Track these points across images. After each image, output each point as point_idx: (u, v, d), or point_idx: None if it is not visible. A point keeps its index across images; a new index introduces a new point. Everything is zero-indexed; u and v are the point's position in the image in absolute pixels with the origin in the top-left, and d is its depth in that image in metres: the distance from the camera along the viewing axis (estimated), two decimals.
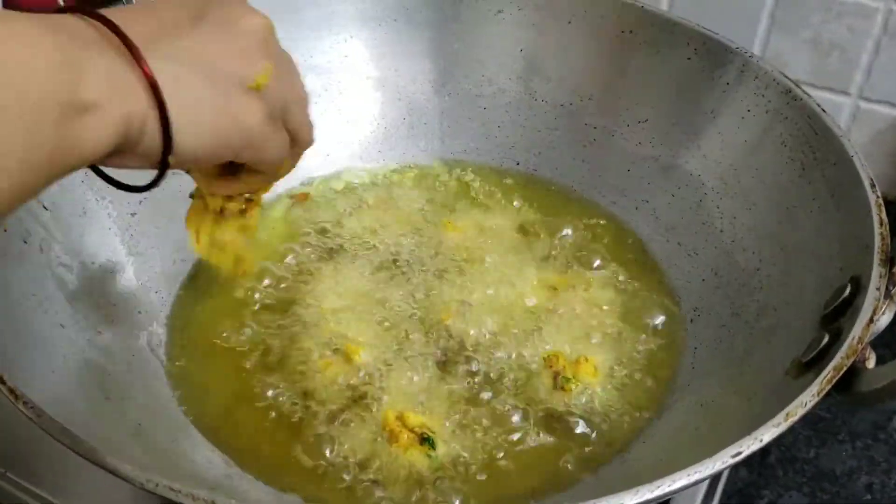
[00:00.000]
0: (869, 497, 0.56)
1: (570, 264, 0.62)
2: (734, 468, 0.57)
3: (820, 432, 0.60)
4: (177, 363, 0.55)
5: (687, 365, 0.54)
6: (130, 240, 0.57)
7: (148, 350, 0.54)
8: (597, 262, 0.62)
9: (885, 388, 0.38)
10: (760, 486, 0.57)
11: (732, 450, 0.36)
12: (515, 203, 0.67)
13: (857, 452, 0.59)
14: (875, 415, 0.61)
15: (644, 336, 0.56)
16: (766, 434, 0.36)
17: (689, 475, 0.35)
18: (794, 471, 0.58)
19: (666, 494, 0.34)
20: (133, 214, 0.58)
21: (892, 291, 0.42)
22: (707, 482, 0.54)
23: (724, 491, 0.56)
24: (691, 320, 0.57)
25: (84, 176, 0.55)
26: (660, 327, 0.57)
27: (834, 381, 0.38)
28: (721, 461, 0.35)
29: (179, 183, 0.62)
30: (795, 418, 0.37)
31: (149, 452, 0.45)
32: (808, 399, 0.37)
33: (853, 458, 0.58)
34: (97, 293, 0.53)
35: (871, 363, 0.41)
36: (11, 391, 0.38)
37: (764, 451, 0.58)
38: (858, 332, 0.40)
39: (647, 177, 0.64)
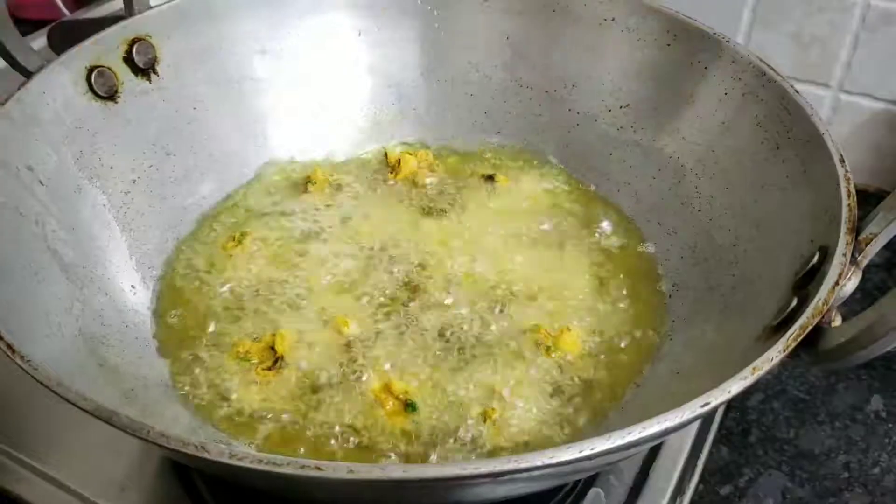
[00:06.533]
0: (846, 475, 0.57)
1: (554, 243, 0.63)
2: (715, 447, 0.58)
3: (800, 413, 0.61)
4: (168, 335, 0.56)
5: (664, 337, 0.55)
6: (124, 217, 0.58)
7: (140, 321, 0.55)
8: (579, 241, 0.63)
9: (845, 343, 0.39)
10: (741, 465, 0.57)
11: (701, 400, 0.36)
12: (500, 186, 0.68)
13: (836, 432, 0.60)
14: (853, 396, 0.63)
15: (623, 310, 0.58)
16: (734, 386, 0.36)
17: (659, 423, 0.35)
18: (774, 450, 0.59)
19: (637, 441, 0.35)
20: (127, 193, 0.59)
21: (858, 258, 0.43)
22: (686, 456, 0.55)
23: (706, 468, 0.57)
24: (670, 295, 0.58)
25: (79, 154, 0.57)
26: (639, 302, 0.58)
27: (800, 339, 0.39)
28: (690, 411, 0.36)
29: (172, 167, 0.64)
30: (762, 372, 0.37)
31: (140, 417, 0.46)
32: (774, 355, 0.38)
33: (832, 437, 0.59)
34: (91, 266, 0.54)
35: (836, 325, 0.42)
36: (9, 346, 0.38)
37: (744, 431, 0.59)
38: (824, 294, 0.40)
39: (628, 160, 0.65)
